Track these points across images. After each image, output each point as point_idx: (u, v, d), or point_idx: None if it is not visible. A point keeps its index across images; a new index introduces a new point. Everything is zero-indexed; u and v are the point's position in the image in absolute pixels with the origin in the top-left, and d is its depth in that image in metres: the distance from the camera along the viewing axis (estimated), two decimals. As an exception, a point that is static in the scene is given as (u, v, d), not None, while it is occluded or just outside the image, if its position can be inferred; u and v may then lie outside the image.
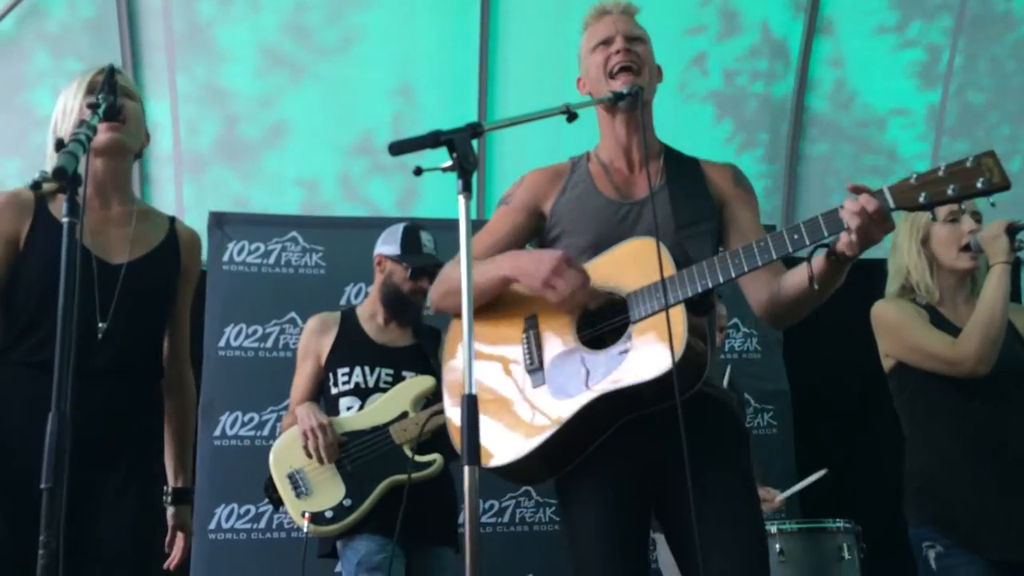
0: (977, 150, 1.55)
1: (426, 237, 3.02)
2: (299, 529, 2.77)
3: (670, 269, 1.78)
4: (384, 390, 2.87)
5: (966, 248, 2.47)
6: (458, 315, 2.00)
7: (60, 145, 1.51)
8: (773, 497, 3.33)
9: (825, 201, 4.94)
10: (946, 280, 2.52)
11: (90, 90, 1.99)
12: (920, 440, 2.50)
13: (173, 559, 2.19)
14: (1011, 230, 2.36)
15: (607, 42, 2.00)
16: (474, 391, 1.46)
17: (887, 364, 2.57)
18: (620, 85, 1.95)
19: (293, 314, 4.15)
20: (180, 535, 2.20)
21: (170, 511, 2.20)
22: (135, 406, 1.99)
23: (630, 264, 1.85)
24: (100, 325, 1.91)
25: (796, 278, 1.78)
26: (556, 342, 1.87)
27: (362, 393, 2.88)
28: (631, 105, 1.95)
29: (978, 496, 2.34)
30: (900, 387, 2.55)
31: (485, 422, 1.66)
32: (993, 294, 2.34)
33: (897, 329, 2.49)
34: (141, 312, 1.99)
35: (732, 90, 4.86)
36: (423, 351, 2.93)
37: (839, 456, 4.29)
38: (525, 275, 1.84)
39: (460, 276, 1.51)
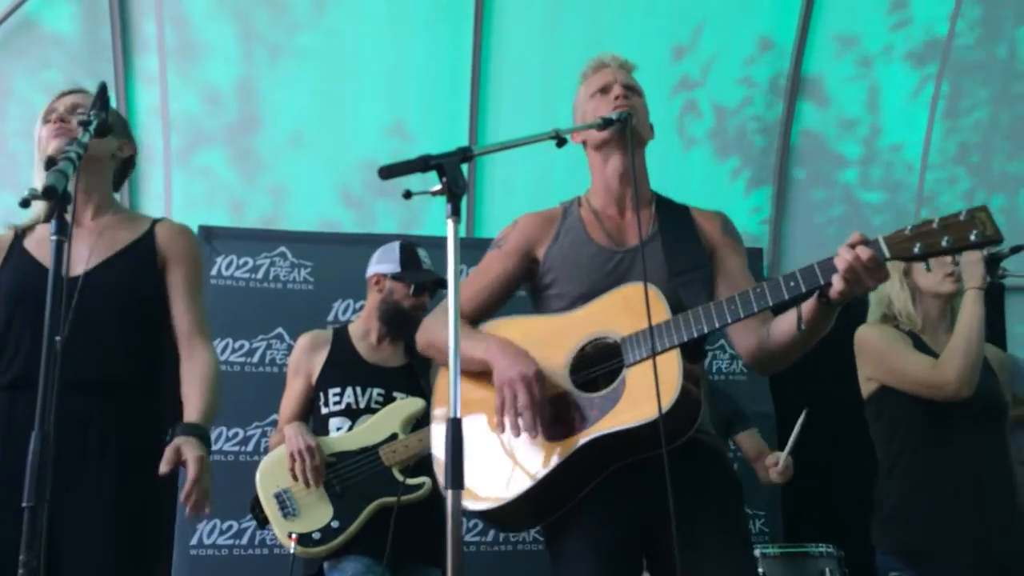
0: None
1: (423, 253, 3.03)
2: (282, 546, 2.75)
3: (665, 314, 1.78)
4: (375, 411, 2.86)
5: (950, 273, 2.52)
6: (444, 366, 1.98)
7: (51, 163, 1.52)
8: (777, 460, 3.28)
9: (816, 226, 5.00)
10: (929, 309, 2.56)
11: (46, 114, 2.05)
12: (894, 468, 2.52)
13: (187, 498, 1.95)
14: (991, 258, 2.42)
15: (605, 89, 2.03)
16: (459, 415, 1.46)
17: (868, 389, 2.60)
18: (611, 109, 1.96)
19: (280, 329, 4.14)
20: (192, 469, 1.95)
21: (175, 442, 1.98)
22: (111, 415, 1.96)
23: (624, 308, 1.85)
24: (57, 339, 1.90)
25: (784, 324, 1.79)
26: (549, 385, 1.84)
27: (353, 414, 2.87)
28: (619, 132, 1.96)
29: (949, 529, 2.36)
30: (878, 413, 2.58)
31: (473, 464, 1.65)
32: (969, 318, 2.40)
33: (881, 352, 2.52)
34: (103, 319, 1.96)
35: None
36: (414, 371, 2.92)
37: (822, 479, 4.31)
38: (497, 368, 1.83)
39: (445, 332, 1.52)
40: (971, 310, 2.40)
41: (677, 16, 4.63)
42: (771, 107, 4.91)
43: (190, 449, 1.96)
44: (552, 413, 1.81)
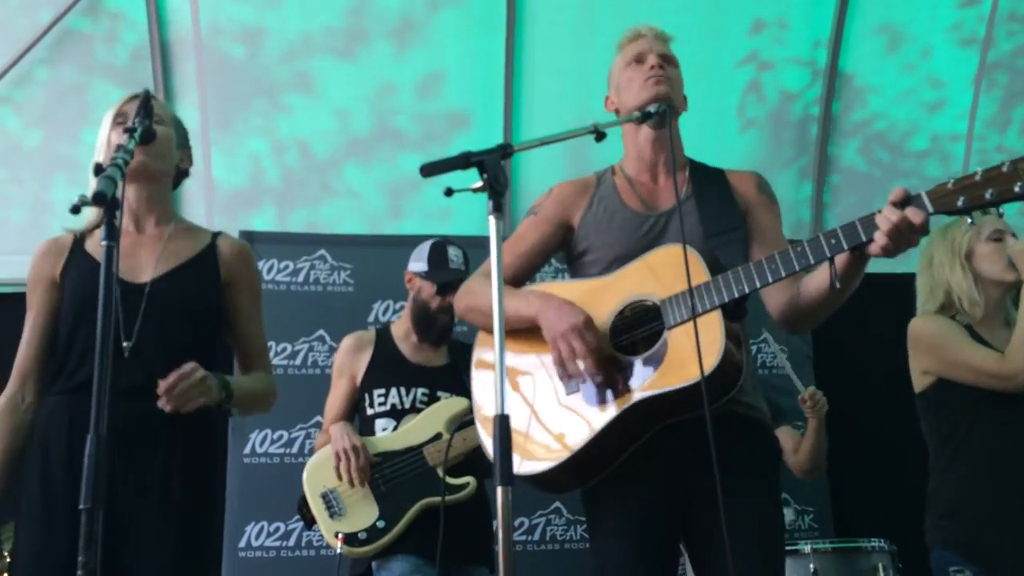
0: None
1: (454, 252, 3.03)
2: (329, 547, 2.77)
3: (704, 275, 1.78)
4: (420, 410, 2.87)
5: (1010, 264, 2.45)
6: (484, 328, 2.02)
7: (99, 170, 1.54)
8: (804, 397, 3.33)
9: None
10: (991, 297, 2.49)
11: (118, 119, 2.05)
12: (952, 463, 2.45)
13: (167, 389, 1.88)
14: None
15: (640, 59, 2.03)
16: (506, 411, 1.46)
17: (923, 382, 2.53)
18: (651, 95, 1.96)
19: (322, 332, 4.18)
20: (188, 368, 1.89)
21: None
22: (175, 421, 1.96)
23: (663, 270, 1.85)
24: (124, 344, 1.93)
25: (817, 280, 1.77)
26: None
27: (398, 414, 2.88)
28: (658, 123, 1.96)
29: (1013, 524, 2.30)
30: (936, 407, 2.51)
31: (517, 430, 1.67)
32: None
33: (941, 345, 2.45)
34: (169, 327, 1.98)
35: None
36: (458, 370, 2.93)
37: (872, 474, 4.24)
38: (546, 322, 1.84)
39: (488, 294, 1.53)
40: None
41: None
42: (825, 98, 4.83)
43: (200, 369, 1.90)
44: (596, 377, 1.82)
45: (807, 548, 2.90)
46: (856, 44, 4.77)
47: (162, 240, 2.08)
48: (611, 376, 1.81)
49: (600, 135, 1.83)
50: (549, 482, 1.89)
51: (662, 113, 1.95)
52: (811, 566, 2.86)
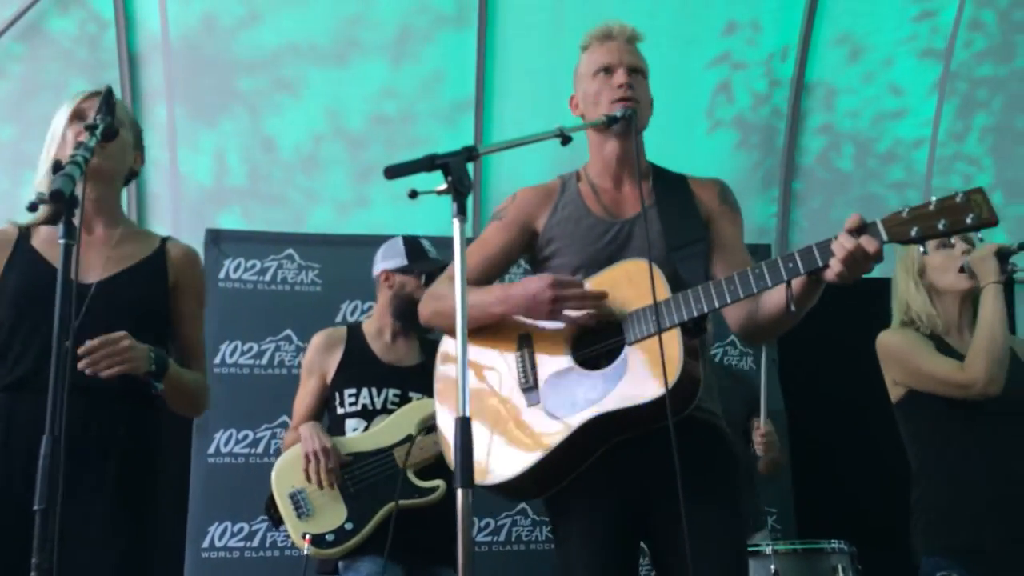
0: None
1: (427, 243, 3.04)
2: (294, 547, 2.75)
3: (664, 291, 1.80)
4: (391, 411, 2.85)
5: (961, 270, 2.50)
6: (449, 332, 2.02)
7: (58, 167, 1.52)
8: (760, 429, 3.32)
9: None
10: (947, 307, 2.54)
11: (76, 115, 2.02)
12: (931, 469, 2.50)
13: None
14: (1001, 253, 2.40)
15: (608, 69, 2.01)
16: (468, 413, 1.46)
17: (896, 393, 2.58)
18: (616, 108, 1.96)
19: (289, 331, 4.15)
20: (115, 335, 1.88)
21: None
22: (116, 422, 1.96)
23: (624, 285, 1.86)
24: (66, 343, 1.90)
25: (774, 299, 1.80)
26: (551, 361, 1.88)
27: (368, 414, 2.86)
28: (624, 129, 1.97)
29: (995, 526, 2.34)
30: (909, 416, 2.56)
31: (479, 440, 1.68)
32: (991, 315, 2.37)
33: (905, 357, 2.51)
34: (113, 329, 1.94)
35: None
36: (430, 370, 2.91)
37: (835, 476, 4.30)
38: (526, 311, 1.86)
39: (452, 297, 1.53)
40: (991, 306, 2.38)
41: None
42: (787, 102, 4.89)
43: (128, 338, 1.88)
44: (556, 390, 1.84)
45: (768, 549, 2.93)
46: (823, 50, 4.83)
47: (110, 242, 2.06)
48: (572, 389, 1.83)
49: (566, 139, 1.83)
50: (509, 491, 1.92)
51: (628, 118, 1.95)
52: (772, 567, 2.88)
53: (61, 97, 2.13)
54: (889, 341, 2.56)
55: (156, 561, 2.02)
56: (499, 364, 1.94)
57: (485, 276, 2.04)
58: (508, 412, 1.89)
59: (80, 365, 1.82)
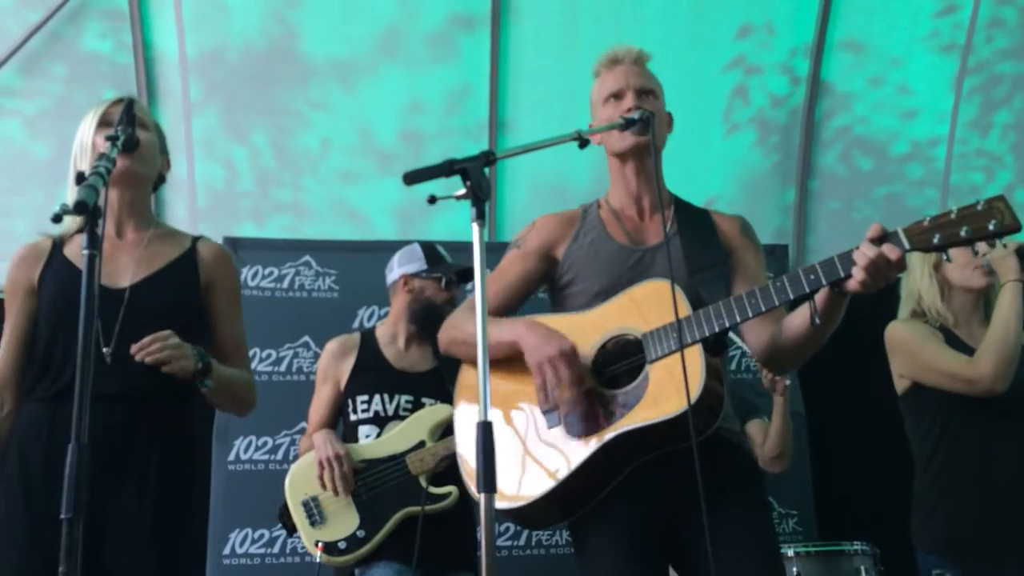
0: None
1: (443, 250, 3.05)
2: (313, 555, 2.76)
3: (686, 310, 1.78)
4: (403, 418, 2.85)
5: (979, 267, 2.49)
6: (467, 361, 2.01)
7: (80, 178, 1.54)
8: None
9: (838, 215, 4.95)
10: (959, 303, 2.53)
11: (103, 122, 2.03)
12: (932, 465, 2.49)
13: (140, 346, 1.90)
14: (1021, 251, 2.39)
15: (618, 95, 2.00)
16: (489, 419, 1.46)
17: (901, 386, 2.57)
18: (631, 143, 1.95)
19: (307, 338, 4.17)
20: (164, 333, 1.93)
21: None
22: (155, 427, 1.97)
23: (645, 305, 1.85)
24: (105, 350, 1.91)
25: (798, 319, 1.78)
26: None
27: (381, 421, 2.86)
28: (641, 131, 1.95)
29: (992, 525, 2.33)
30: (913, 409, 2.55)
31: (499, 463, 1.67)
32: (1007, 312, 2.36)
33: (912, 350, 2.50)
34: (149, 332, 1.96)
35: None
36: (442, 376, 2.92)
37: (855, 478, 4.27)
38: (528, 348, 1.83)
39: (471, 327, 1.52)
40: (1008, 303, 2.37)
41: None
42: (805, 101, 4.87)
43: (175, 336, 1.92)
44: (576, 411, 1.82)
45: (790, 552, 2.92)
46: (838, 50, 4.82)
47: (141, 245, 2.07)
48: (593, 409, 1.81)
49: (583, 142, 1.82)
50: (531, 517, 1.89)
51: (645, 120, 1.92)
52: (794, 570, 2.87)
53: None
54: (897, 333, 2.55)
55: (190, 570, 2.03)
56: (519, 386, 1.91)
57: (505, 305, 2.02)
58: (528, 434, 1.87)
59: (137, 355, 1.86)
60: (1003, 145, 5.00)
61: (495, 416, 1.88)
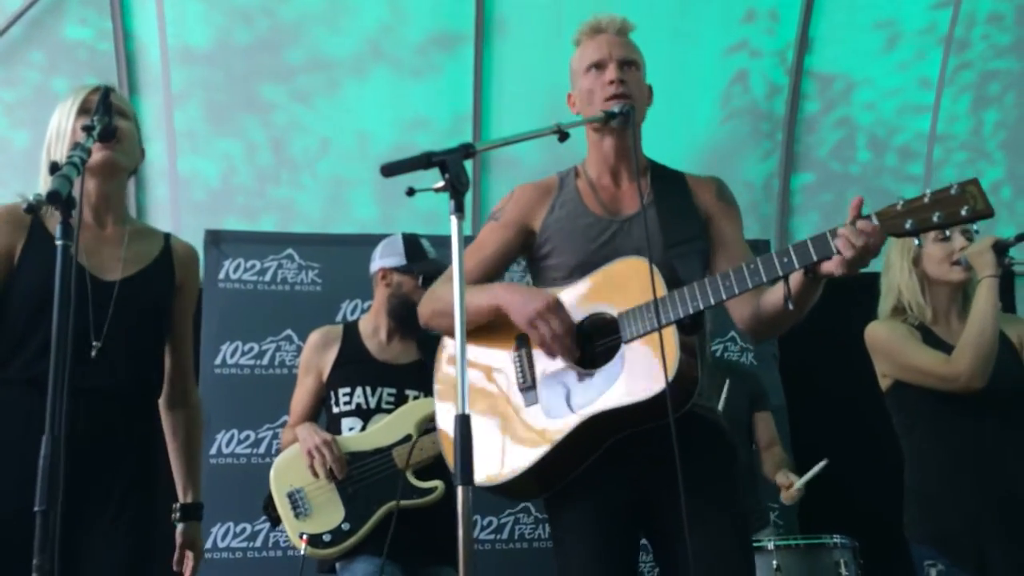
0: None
1: (426, 243, 3.01)
2: (296, 548, 2.75)
3: (661, 290, 1.79)
4: (387, 410, 2.83)
5: (957, 263, 2.50)
6: (449, 334, 2.02)
7: (55, 168, 1.52)
8: (791, 483, 3.31)
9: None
10: (939, 298, 2.55)
11: (82, 110, 1.99)
12: (919, 459, 2.51)
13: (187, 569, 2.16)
14: (998, 247, 2.40)
15: (600, 65, 1.99)
16: (467, 411, 1.46)
17: (884, 384, 2.59)
18: (612, 105, 1.95)
19: (289, 331, 4.15)
20: (189, 553, 2.17)
21: (179, 528, 2.18)
22: (133, 425, 1.97)
23: (621, 283, 1.86)
24: (95, 343, 1.90)
25: (773, 297, 1.80)
26: (548, 361, 1.88)
27: (364, 414, 2.84)
28: (622, 123, 1.95)
29: (978, 515, 2.35)
30: (898, 407, 2.57)
31: (477, 440, 1.68)
32: (983, 308, 2.38)
33: (891, 349, 2.52)
34: (136, 329, 1.97)
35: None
36: (426, 367, 2.90)
37: (836, 470, 4.28)
38: (514, 309, 1.86)
39: (452, 297, 1.52)
40: (985, 299, 2.38)
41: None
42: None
43: (196, 543, 2.19)
44: (553, 389, 1.84)
45: (770, 545, 2.93)
46: (833, 41, 4.82)
47: (123, 240, 2.05)
48: (570, 388, 1.83)
49: (563, 135, 1.83)
50: (510, 492, 1.92)
51: (626, 114, 1.94)
52: (774, 563, 2.89)
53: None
54: (876, 333, 2.57)
55: (159, 557, 2.04)
56: (497, 364, 1.94)
57: (484, 277, 2.02)
58: (507, 412, 1.89)
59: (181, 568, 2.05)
60: (992, 142, 5.03)
61: (473, 391, 1.91)
